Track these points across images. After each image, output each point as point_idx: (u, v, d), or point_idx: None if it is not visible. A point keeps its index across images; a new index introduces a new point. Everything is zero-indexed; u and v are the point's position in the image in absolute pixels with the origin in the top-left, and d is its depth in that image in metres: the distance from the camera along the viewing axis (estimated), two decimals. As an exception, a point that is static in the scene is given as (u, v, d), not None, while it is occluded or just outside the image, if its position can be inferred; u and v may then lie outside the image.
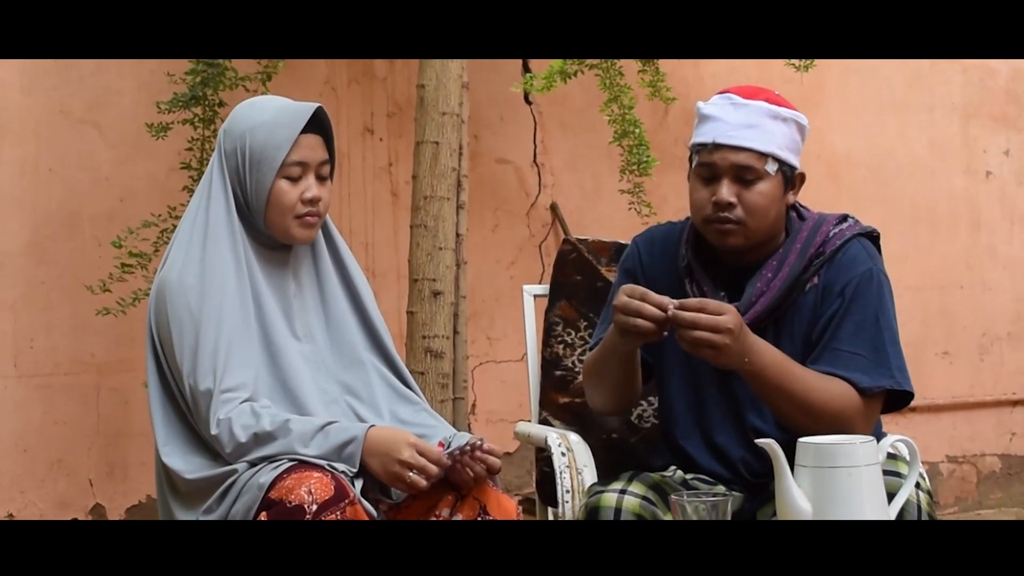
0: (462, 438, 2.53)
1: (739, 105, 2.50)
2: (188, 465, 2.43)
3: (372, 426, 2.40)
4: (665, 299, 2.33)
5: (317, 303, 2.61)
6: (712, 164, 2.48)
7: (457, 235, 4.00)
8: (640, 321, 2.33)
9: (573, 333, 3.11)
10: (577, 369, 3.07)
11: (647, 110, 4.49)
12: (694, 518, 2.09)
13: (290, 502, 2.28)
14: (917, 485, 2.31)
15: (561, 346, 3.11)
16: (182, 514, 2.45)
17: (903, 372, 2.47)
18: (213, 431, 2.37)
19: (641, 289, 2.36)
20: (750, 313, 2.47)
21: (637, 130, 4.11)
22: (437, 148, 3.90)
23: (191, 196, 3.85)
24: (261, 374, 2.47)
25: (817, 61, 4.33)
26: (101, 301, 3.90)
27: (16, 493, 4.24)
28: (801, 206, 2.61)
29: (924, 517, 2.31)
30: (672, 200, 4.63)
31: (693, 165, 2.54)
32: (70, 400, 4.29)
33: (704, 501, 2.10)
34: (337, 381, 2.58)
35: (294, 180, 2.50)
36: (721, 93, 2.55)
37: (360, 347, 2.62)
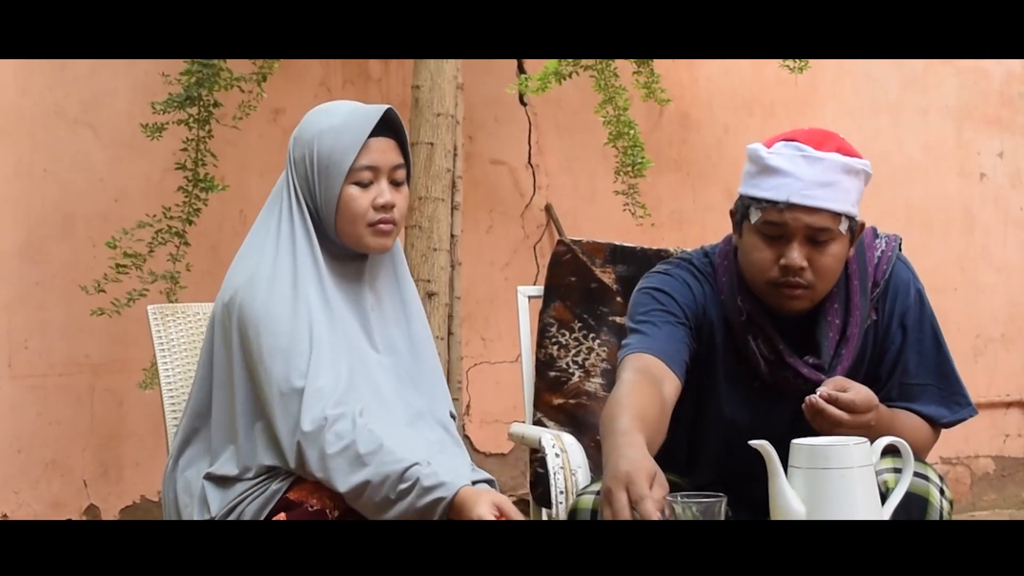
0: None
1: (812, 159, 2.32)
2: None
3: (464, 486, 2.26)
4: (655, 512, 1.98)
5: (400, 314, 2.51)
6: (783, 224, 2.30)
7: (452, 236, 4.01)
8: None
9: (567, 334, 3.11)
10: (571, 370, 3.07)
11: (642, 112, 4.49)
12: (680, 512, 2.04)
13: (312, 505, 2.26)
14: (942, 492, 2.32)
15: (555, 347, 3.11)
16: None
17: (968, 394, 2.52)
18: (307, 427, 2.24)
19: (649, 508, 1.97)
20: (839, 370, 2.40)
21: (632, 132, 4.11)
22: (432, 149, 3.91)
23: (186, 197, 3.91)
24: (356, 384, 2.36)
25: (811, 63, 4.34)
26: (95, 302, 3.90)
27: (10, 494, 4.23)
28: None
29: None
30: (666, 202, 4.64)
31: (753, 220, 2.34)
32: (64, 401, 4.29)
33: (696, 503, 2.08)
34: (422, 395, 2.49)
35: (364, 186, 2.38)
36: (785, 140, 2.36)
37: (434, 365, 2.54)
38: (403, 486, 2.22)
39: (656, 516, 1.94)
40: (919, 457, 2.29)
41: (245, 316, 2.33)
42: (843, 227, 2.32)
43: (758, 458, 2.13)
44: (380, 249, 2.43)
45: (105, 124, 4.32)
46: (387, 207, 2.39)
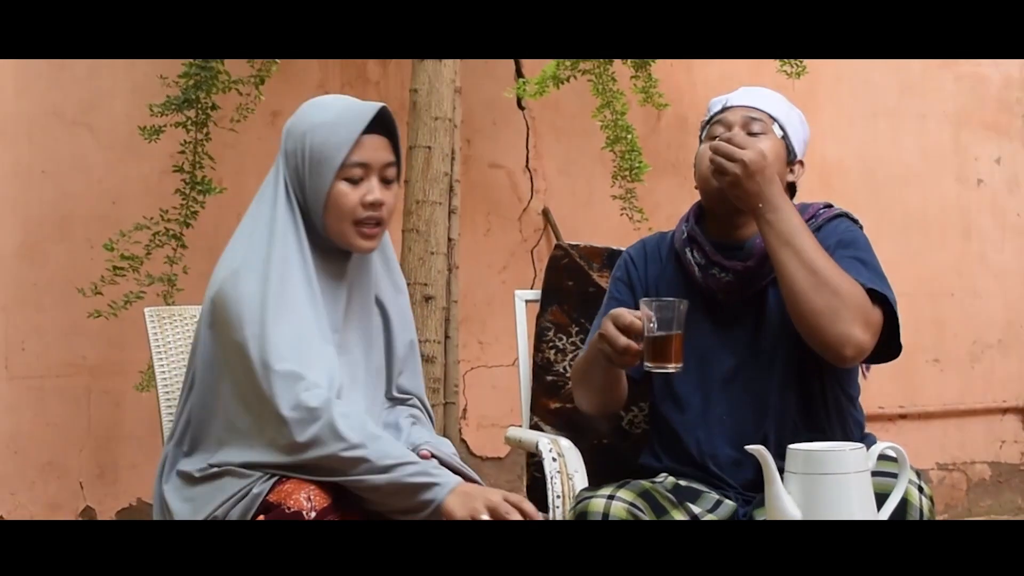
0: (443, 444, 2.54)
1: (748, 88, 2.73)
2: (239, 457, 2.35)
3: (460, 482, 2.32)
4: (637, 321, 2.37)
5: (364, 316, 2.53)
6: (723, 120, 2.63)
7: (449, 240, 4.01)
8: (608, 348, 2.41)
9: (564, 338, 3.11)
10: (568, 375, 3.07)
11: (639, 116, 4.50)
12: (650, 311, 2.34)
13: (288, 507, 2.26)
14: (920, 490, 2.32)
15: (552, 351, 3.11)
16: (183, 499, 2.43)
17: (894, 299, 2.51)
18: (288, 413, 2.26)
19: (626, 317, 2.39)
20: (758, 252, 2.57)
21: (629, 136, 4.11)
22: (429, 153, 3.90)
23: (183, 199, 3.91)
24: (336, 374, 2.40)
25: (809, 68, 4.34)
26: (93, 304, 3.90)
27: (6, 495, 4.23)
28: None
29: None
30: (664, 206, 4.63)
31: (703, 137, 2.69)
32: (61, 402, 4.29)
33: (659, 300, 2.36)
34: (367, 399, 2.52)
35: (355, 182, 2.39)
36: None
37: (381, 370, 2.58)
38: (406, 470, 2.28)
39: (629, 316, 2.38)
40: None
41: (229, 305, 2.35)
42: (776, 130, 2.63)
43: (729, 419, 2.56)
44: (366, 250, 2.45)
45: (103, 126, 4.33)
46: (376, 205, 2.40)
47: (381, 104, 2.42)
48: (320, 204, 2.40)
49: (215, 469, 2.37)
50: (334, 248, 2.46)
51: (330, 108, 2.44)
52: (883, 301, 2.48)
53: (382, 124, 2.42)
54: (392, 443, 2.33)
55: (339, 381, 2.38)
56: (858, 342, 2.42)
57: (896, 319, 2.51)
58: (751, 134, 2.59)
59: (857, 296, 2.43)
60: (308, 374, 2.31)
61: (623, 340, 2.37)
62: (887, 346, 2.51)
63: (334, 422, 2.27)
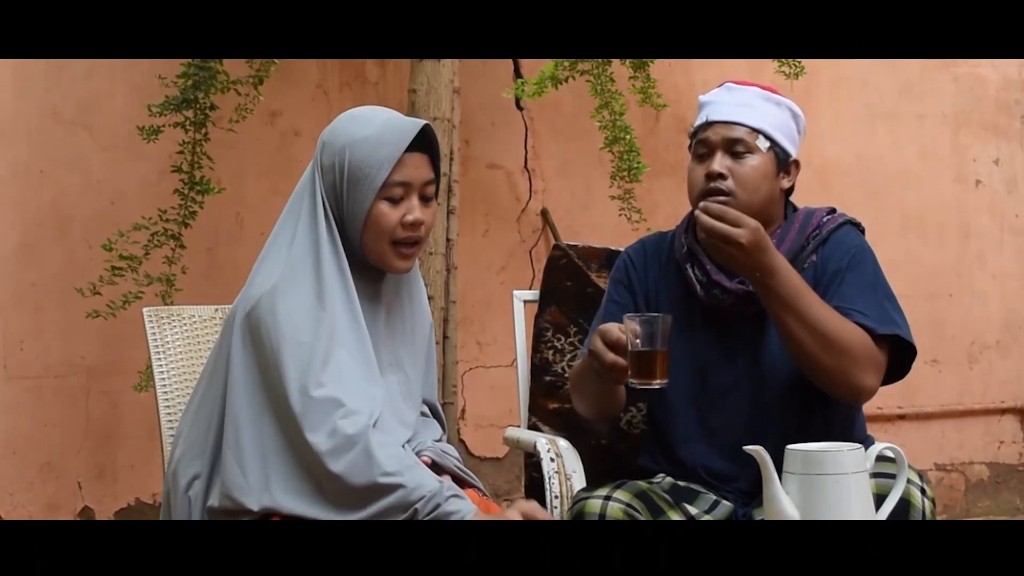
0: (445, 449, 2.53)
1: (733, 89, 2.63)
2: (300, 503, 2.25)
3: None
4: (623, 337, 2.35)
5: (406, 331, 2.49)
6: (706, 140, 2.59)
7: (448, 240, 4.01)
8: (596, 364, 2.40)
9: (563, 339, 3.11)
10: (566, 375, 3.07)
11: (638, 116, 4.49)
12: (635, 327, 2.33)
13: None
14: (923, 492, 2.33)
15: (551, 352, 3.11)
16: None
17: (907, 328, 2.51)
18: (323, 440, 2.20)
19: (613, 333, 2.37)
20: None
21: (628, 136, 4.11)
22: (428, 153, 3.90)
23: (182, 199, 3.90)
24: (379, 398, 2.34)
25: (808, 68, 4.34)
26: (91, 304, 3.90)
27: (5, 495, 4.23)
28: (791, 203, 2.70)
29: None
30: (663, 206, 4.64)
31: (690, 150, 2.64)
32: (60, 402, 4.29)
33: (642, 316, 2.36)
34: (416, 411, 2.50)
35: (395, 202, 2.33)
36: (720, 86, 2.68)
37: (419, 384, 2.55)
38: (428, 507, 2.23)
39: (616, 332, 2.37)
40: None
41: (267, 323, 2.27)
42: (762, 144, 2.57)
43: (721, 417, 2.54)
44: (402, 270, 2.41)
45: (102, 126, 4.32)
46: (416, 224, 2.35)
47: (424, 122, 2.37)
48: (359, 222, 2.34)
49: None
50: (369, 266, 2.41)
51: (371, 123, 2.36)
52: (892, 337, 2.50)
53: (422, 140, 2.36)
54: (427, 474, 2.29)
55: (380, 410, 2.32)
56: (870, 389, 2.48)
57: (910, 347, 2.52)
58: (735, 154, 2.55)
59: (865, 347, 2.45)
60: (348, 401, 2.25)
61: (610, 357, 2.36)
62: (896, 369, 2.54)
63: (371, 449, 2.21)
